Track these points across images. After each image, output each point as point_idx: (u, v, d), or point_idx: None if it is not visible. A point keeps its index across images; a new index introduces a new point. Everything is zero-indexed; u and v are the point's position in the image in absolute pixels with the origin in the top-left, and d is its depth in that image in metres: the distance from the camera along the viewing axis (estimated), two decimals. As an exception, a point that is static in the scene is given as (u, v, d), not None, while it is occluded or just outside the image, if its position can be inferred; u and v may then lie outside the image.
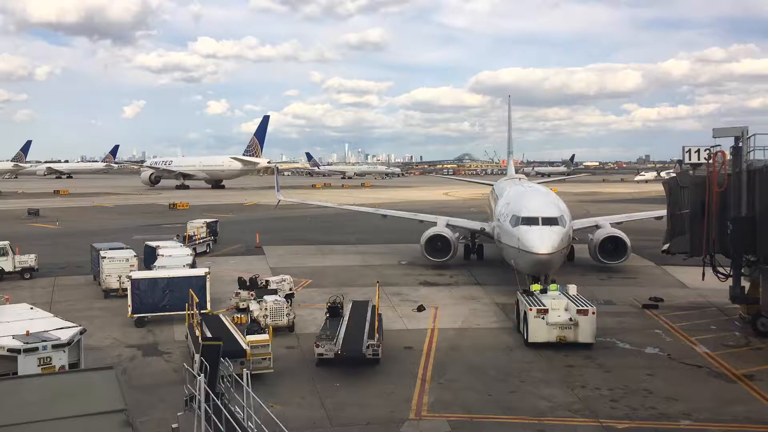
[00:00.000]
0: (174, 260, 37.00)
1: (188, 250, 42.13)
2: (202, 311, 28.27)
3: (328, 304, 29.62)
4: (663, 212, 55.53)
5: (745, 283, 30.77)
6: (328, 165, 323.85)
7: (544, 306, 27.20)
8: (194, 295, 27.89)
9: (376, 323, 27.15)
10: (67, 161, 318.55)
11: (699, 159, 30.89)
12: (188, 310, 27.59)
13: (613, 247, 43.74)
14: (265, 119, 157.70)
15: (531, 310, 27.03)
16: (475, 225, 48.89)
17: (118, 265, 37.10)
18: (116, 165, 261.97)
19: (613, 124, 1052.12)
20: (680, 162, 33.57)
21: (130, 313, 30.76)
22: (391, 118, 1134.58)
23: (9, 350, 19.39)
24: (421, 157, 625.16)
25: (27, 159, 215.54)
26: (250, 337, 24.60)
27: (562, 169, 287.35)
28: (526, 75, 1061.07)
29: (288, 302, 30.88)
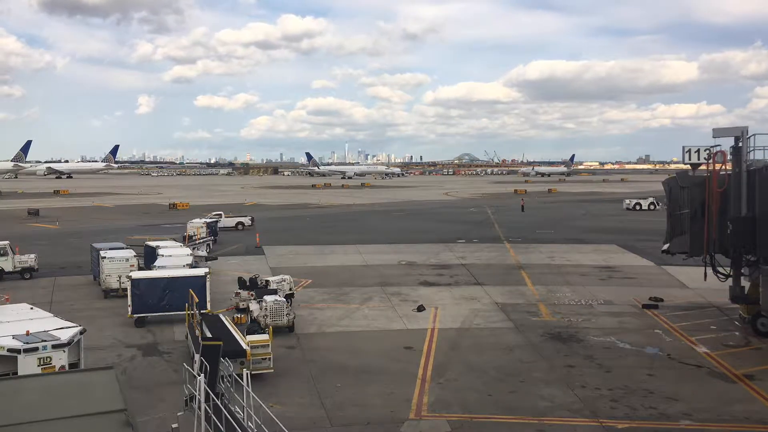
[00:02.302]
0: (173, 260, 36.99)
1: (188, 250, 42.11)
2: (202, 311, 28.26)
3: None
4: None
5: (745, 283, 30.77)
6: (328, 165, 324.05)
7: None
8: (194, 295, 27.88)
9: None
10: (67, 161, 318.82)
11: (699, 159, 30.91)
12: (188, 310, 27.58)
13: None
14: None
15: None
16: None
17: (118, 265, 37.09)
18: (116, 165, 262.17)
19: (639, 123, 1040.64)
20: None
21: (130, 313, 30.78)
22: (408, 115, 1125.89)
23: (9, 350, 19.36)
24: (421, 157, 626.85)
25: (27, 159, 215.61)
26: (250, 337, 24.59)
27: (562, 169, 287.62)
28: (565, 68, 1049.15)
29: (288, 302, 30.88)
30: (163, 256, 38.41)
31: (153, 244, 42.55)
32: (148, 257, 41.04)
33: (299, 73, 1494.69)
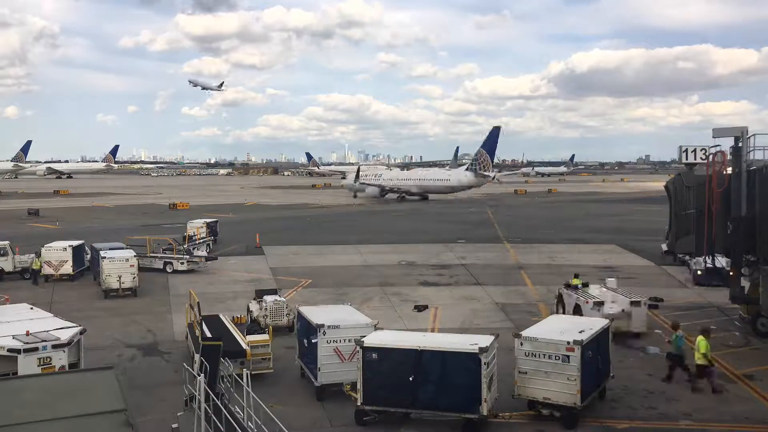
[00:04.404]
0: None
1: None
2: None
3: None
4: None
5: (746, 283, 30.74)
6: (328, 165, 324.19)
7: (598, 299, 28.52)
8: (194, 295, 27.84)
9: None
10: (67, 161, 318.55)
11: (695, 159, 30.92)
12: (188, 310, 27.56)
13: None
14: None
15: (588, 302, 28.29)
16: None
17: (118, 265, 37.08)
18: (116, 165, 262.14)
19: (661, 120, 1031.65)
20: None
21: None
22: (427, 113, 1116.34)
23: (9, 350, 19.37)
24: (421, 157, 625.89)
25: (27, 159, 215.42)
26: (250, 337, 24.61)
27: (562, 169, 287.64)
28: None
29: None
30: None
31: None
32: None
33: (344, 65, 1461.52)
